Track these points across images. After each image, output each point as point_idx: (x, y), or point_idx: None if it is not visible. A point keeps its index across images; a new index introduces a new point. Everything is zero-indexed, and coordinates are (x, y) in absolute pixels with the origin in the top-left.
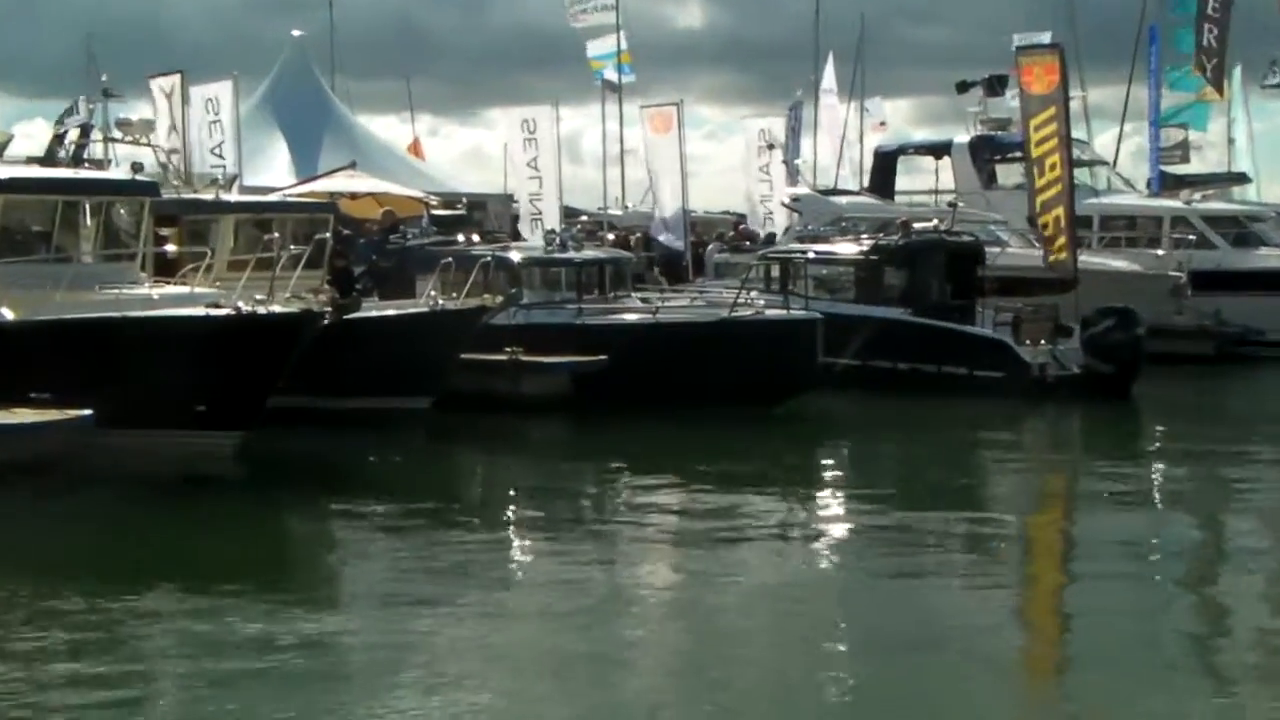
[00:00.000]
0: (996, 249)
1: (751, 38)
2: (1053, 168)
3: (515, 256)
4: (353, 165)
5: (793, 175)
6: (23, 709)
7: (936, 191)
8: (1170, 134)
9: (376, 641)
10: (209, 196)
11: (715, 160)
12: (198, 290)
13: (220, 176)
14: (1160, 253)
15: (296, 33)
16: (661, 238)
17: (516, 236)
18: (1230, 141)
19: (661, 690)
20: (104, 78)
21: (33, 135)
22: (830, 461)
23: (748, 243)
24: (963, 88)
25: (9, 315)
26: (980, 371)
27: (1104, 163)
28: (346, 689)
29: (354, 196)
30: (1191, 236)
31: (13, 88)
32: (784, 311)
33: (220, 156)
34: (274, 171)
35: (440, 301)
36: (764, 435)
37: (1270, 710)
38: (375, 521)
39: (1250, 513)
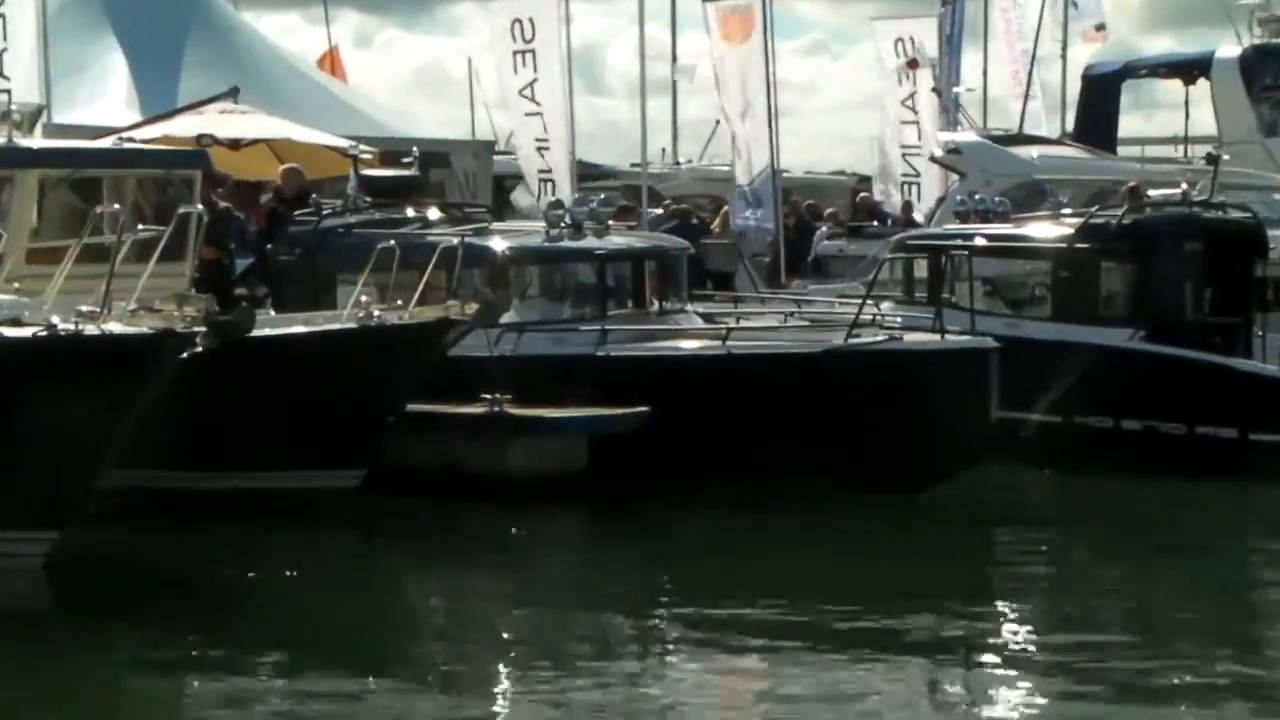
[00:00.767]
0: None
1: None
2: None
3: (499, 245)
4: (234, 94)
5: (950, 113)
6: None
7: (1186, 140)
8: None
9: None
10: None
11: (824, 90)
12: None
13: (9, 109)
14: None
15: None
16: (740, 219)
17: (502, 211)
18: None
19: None
20: None
21: None
22: (1021, 608)
23: (875, 222)
24: None
25: None
26: (1261, 434)
27: None
28: None
29: (236, 145)
30: None
31: None
32: (935, 337)
33: (5, 78)
34: (105, 103)
35: (376, 314)
36: (906, 550)
37: None
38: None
39: None
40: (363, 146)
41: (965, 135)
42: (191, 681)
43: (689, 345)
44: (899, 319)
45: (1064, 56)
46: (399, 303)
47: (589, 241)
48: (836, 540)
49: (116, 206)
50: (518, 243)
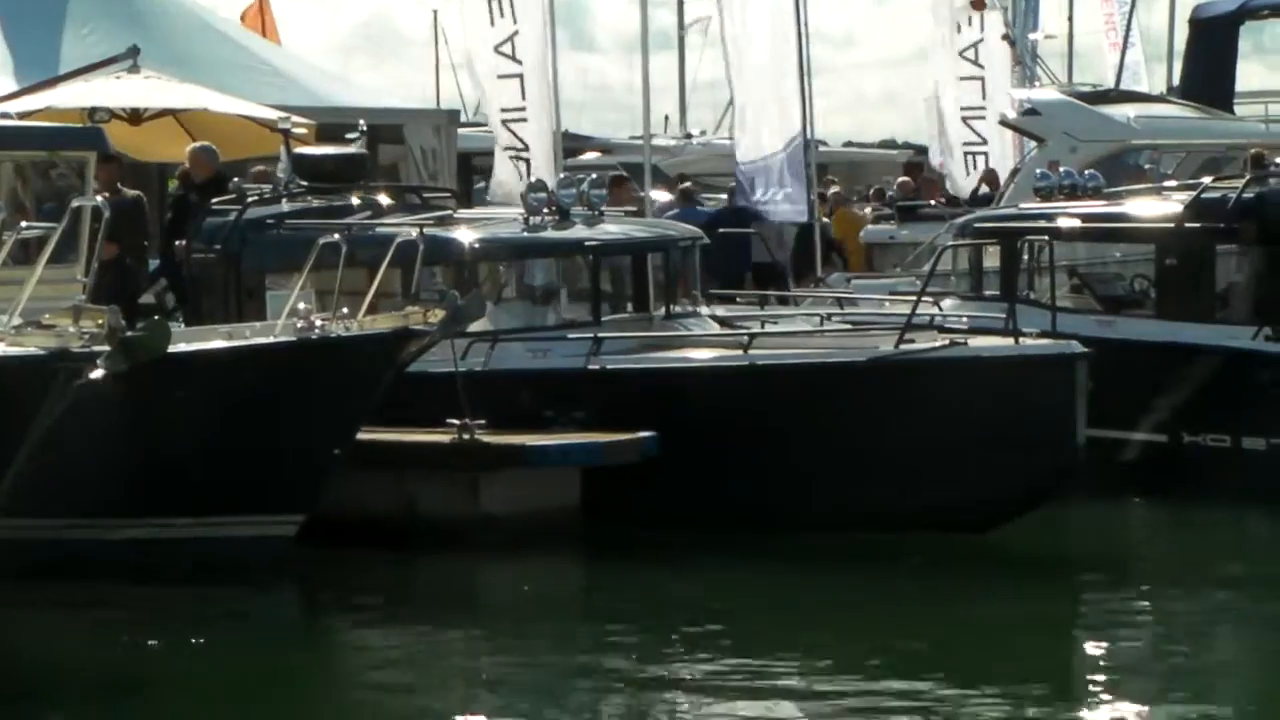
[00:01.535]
0: None
1: None
2: None
3: (467, 237)
4: (132, 56)
5: (1027, 65)
6: None
7: None
8: None
9: None
10: None
11: (866, 41)
12: None
13: None
14: None
15: None
16: (765, 198)
17: (470, 196)
18: None
19: None
20: None
21: None
22: (1119, 692)
23: (932, 203)
24: None
25: None
26: None
27: None
28: None
29: (138, 118)
30: None
31: None
32: (1009, 341)
33: None
34: None
35: (317, 324)
36: (971, 612)
37: None
38: None
39: None
40: (296, 119)
41: (1045, 92)
42: None
43: (703, 355)
44: (964, 319)
45: None
46: (345, 310)
47: (578, 231)
48: (886, 597)
49: None
50: (490, 234)
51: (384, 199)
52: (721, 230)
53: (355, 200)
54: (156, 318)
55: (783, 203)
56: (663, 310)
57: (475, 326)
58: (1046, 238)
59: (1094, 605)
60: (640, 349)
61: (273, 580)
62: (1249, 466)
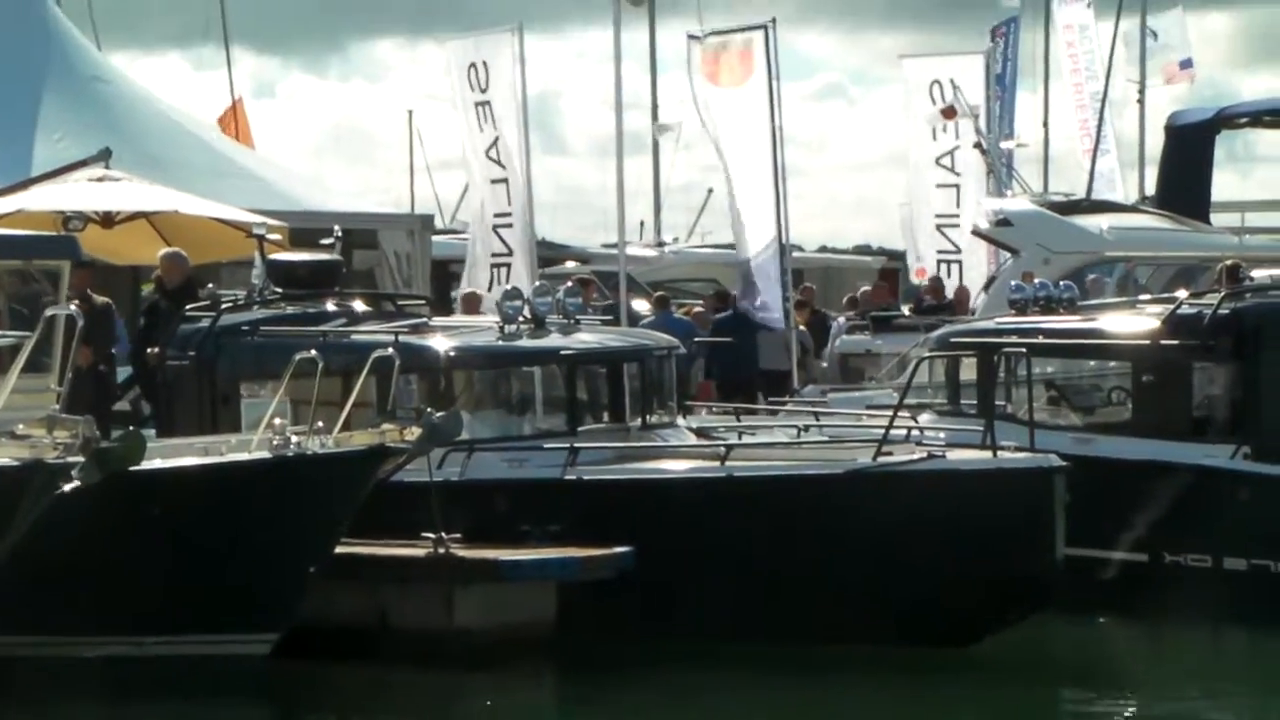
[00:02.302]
0: None
1: None
2: None
3: (442, 345)
4: (104, 158)
5: (1000, 174)
6: None
7: None
8: None
9: None
10: None
11: (838, 147)
12: None
13: None
14: None
15: None
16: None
17: (446, 302)
18: None
19: None
20: None
21: None
22: None
23: (907, 311)
24: None
25: None
26: None
27: None
28: None
29: (110, 221)
30: None
31: None
32: (986, 455)
33: None
34: None
35: (294, 440)
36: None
37: None
38: None
39: None
40: (270, 223)
41: (1017, 203)
42: None
43: (679, 467)
44: (941, 433)
45: (1142, 101)
46: (321, 424)
47: (553, 340)
48: (866, 710)
49: None
50: (465, 343)
51: (359, 305)
52: (719, 335)
53: (331, 306)
54: (131, 428)
55: (759, 309)
56: (639, 420)
57: None
58: (1023, 351)
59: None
60: (617, 459)
61: (246, 698)
62: (1229, 588)
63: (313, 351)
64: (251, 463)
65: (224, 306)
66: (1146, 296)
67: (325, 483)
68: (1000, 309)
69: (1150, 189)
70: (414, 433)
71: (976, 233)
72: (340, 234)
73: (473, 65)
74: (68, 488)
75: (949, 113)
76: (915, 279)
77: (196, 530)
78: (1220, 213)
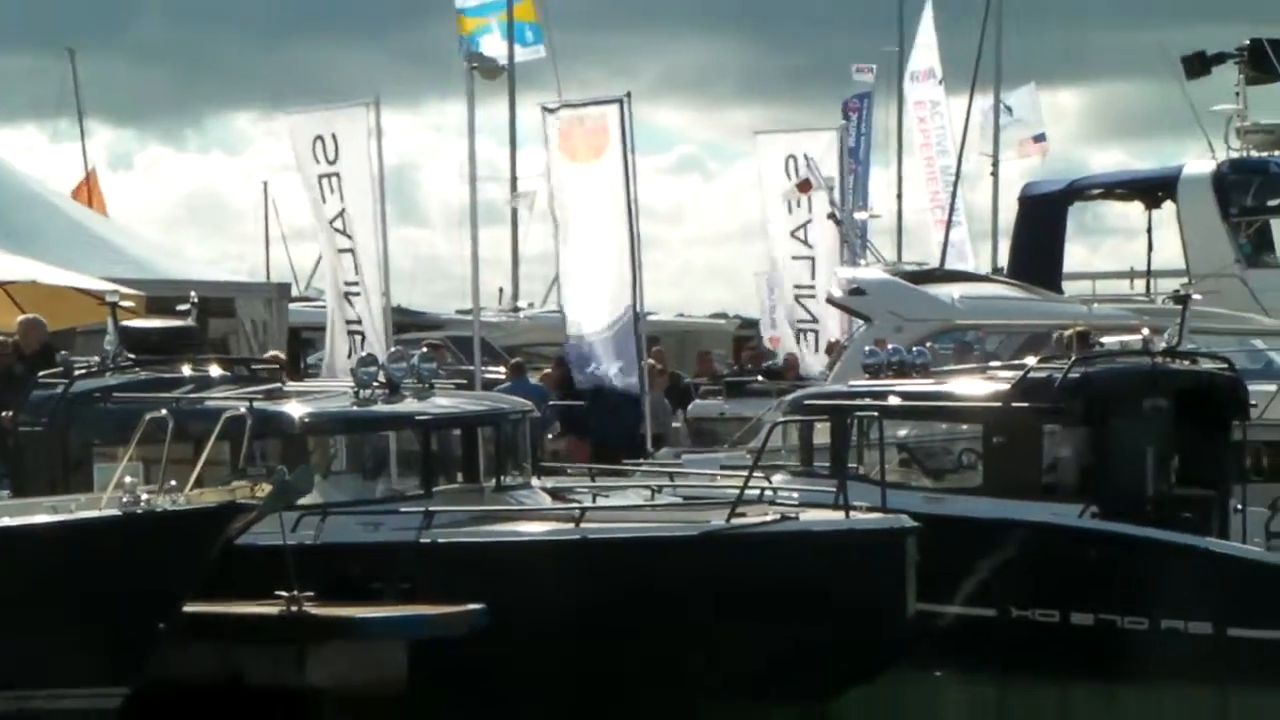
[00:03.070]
0: (1270, 387)
1: None
2: None
3: (296, 410)
4: None
5: (854, 245)
6: None
7: (1149, 273)
8: None
9: None
10: None
11: (695, 217)
12: None
13: None
14: None
15: None
16: (583, 374)
17: (299, 368)
18: None
19: None
20: None
21: None
22: None
23: (760, 378)
24: (1198, 66)
25: None
26: (1241, 629)
27: None
28: None
29: None
30: None
31: None
32: (839, 515)
33: None
34: None
35: (144, 498)
36: None
37: None
38: None
39: None
40: (125, 290)
41: (870, 272)
42: None
43: (534, 529)
44: (794, 494)
45: (995, 174)
46: (173, 483)
47: (408, 405)
48: None
49: None
50: (319, 408)
51: (214, 370)
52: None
53: (186, 371)
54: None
55: (616, 375)
56: (494, 482)
57: (306, 499)
58: (876, 414)
59: None
60: (472, 521)
61: None
62: (1076, 642)
63: (163, 411)
64: (100, 519)
65: (77, 373)
66: (997, 363)
67: (175, 539)
68: (854, 374)
69: (1004, 260)
70: (265, 489)
71: (831, 301)
72: (196, 300)
73: (319, 138)
74: None
75: (804, 186)
76: (769, 345)
77: (42, 586)
78: (1071, 281)
